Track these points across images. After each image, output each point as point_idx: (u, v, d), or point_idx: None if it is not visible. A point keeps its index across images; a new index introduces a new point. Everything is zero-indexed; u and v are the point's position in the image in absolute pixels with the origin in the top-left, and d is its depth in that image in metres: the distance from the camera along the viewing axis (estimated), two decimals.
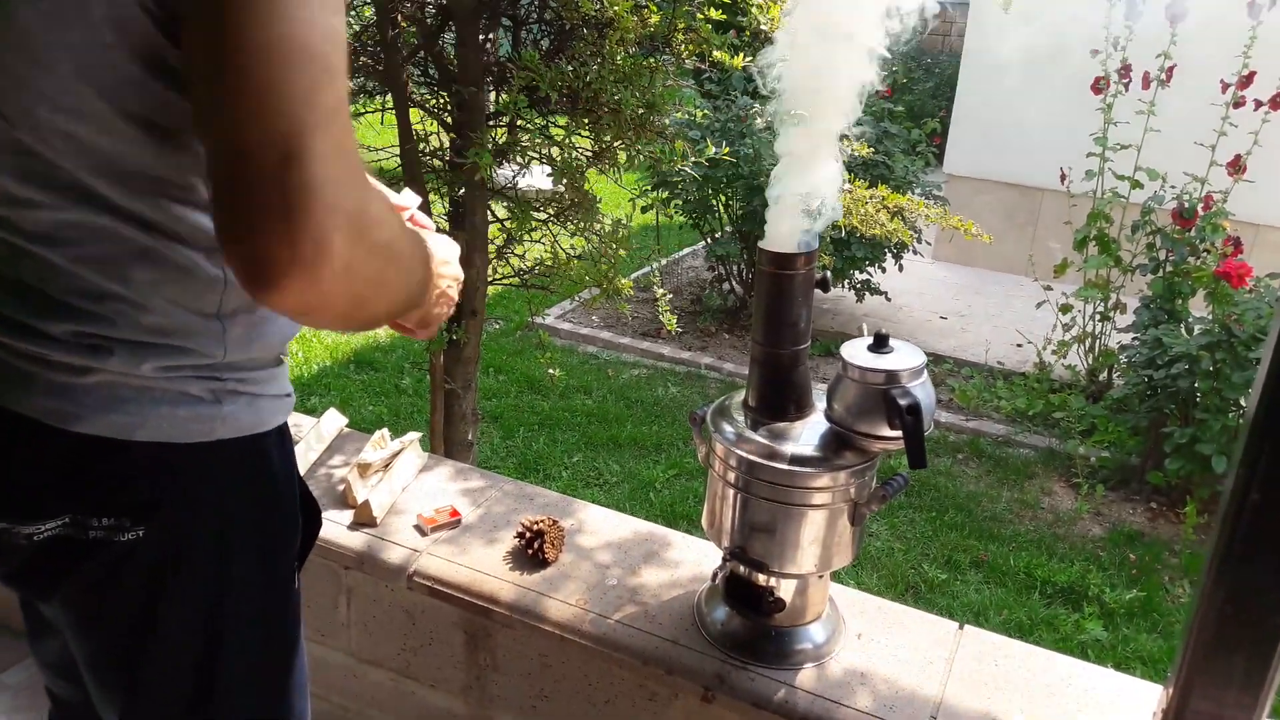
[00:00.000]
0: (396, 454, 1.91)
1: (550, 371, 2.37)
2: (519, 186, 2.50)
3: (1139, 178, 4.96)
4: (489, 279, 2.60)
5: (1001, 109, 6.75)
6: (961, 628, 1.69)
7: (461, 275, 1.16)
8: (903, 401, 1.23)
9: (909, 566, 3.86)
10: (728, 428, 1.40)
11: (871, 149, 4.83)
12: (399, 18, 2.43)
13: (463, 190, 2.46)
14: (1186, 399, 4.10)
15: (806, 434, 1.37)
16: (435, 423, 2.58)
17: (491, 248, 2.59)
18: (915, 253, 5.70)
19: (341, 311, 0.82)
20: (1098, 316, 5.20)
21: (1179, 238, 4.53)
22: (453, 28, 2.38)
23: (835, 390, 1.34)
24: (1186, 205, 4.49)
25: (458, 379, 2.61)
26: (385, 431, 1.98)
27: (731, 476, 1.38)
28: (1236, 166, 4.70)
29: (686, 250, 7.41)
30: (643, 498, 4.23)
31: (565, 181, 2.21)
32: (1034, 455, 4.80)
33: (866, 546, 3.97)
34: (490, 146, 2.19)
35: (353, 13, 2.53)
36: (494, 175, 2.28)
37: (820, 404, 1.40)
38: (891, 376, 1.27)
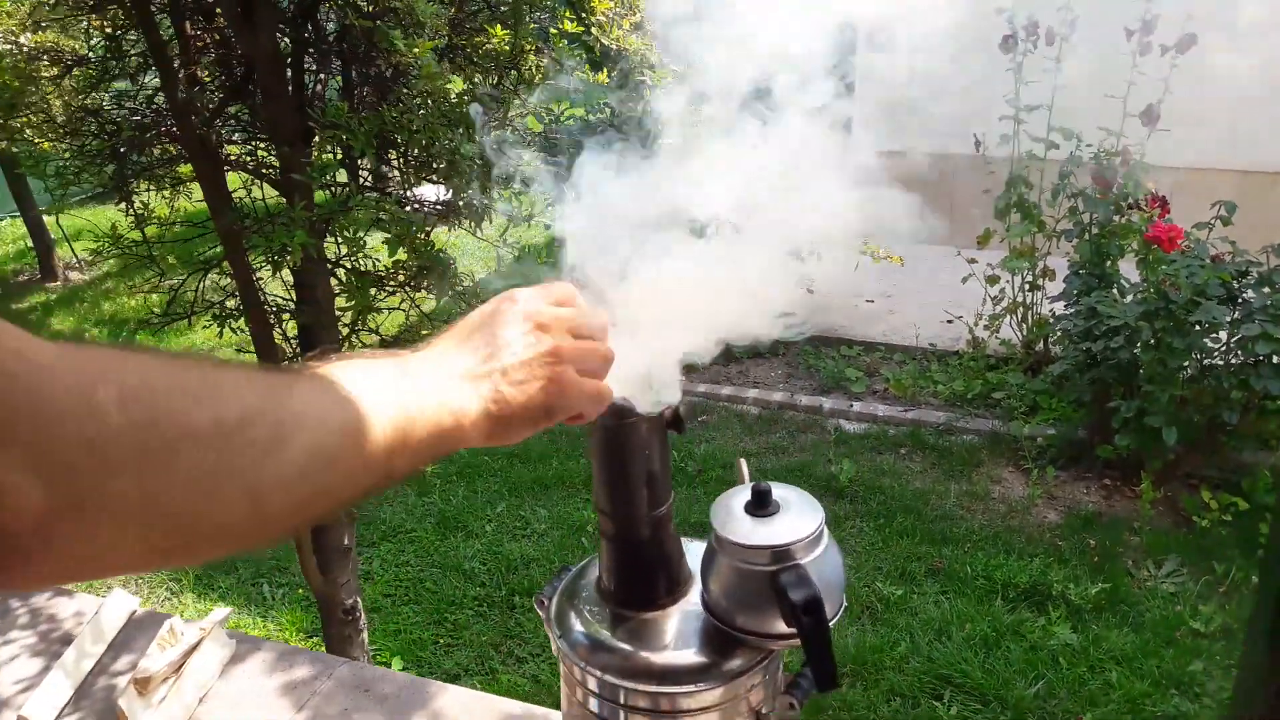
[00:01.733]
0: (191, 650, 1.51)
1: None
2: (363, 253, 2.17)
3: (1054, 138, 4.74)
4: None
5: (906, 72, 6.51)
6: None
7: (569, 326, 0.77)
8: (796, 596, 0.88)
9: (862, 585, 3.60)
10: (578, 628, 1.03)
11: None
12: (196, 72, 2.07)
13: (298, 264, 2.12)
14: (1129, 369, 3.89)
15: (682, 630, 1.01)
16: (300, 533, 2.24)
17: (342, 322, 2.25)
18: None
19: (135, 557, 0.53)
20: (1027, 286, 4.99)
21: (1101, 198, 4.32)
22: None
23: (709, 569, 0.99)
24: (1105, 165, 4.28)
25: None
26: (175, 621, 1.57)
27: (591, 703, 1.01)
28: (1150, 116, 4.50)
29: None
30: (574, 544, 3.92)
31: (404, 248, 1.89)
32: (978, 440, 4.57)
33: None
34: (309, 216, 1.85)
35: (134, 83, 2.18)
36: (319, 248, 1.94)
37: (699, 574, 1.02)
38: (779, 554, 0.92)
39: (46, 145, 3.00)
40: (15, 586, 0.50)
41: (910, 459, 4.49)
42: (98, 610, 1.66)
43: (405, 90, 1.91)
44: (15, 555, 0.46)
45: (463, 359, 0.73)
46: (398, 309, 2.33)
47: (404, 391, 0.67)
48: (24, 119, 3.02)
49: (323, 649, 2.65)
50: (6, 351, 0.46)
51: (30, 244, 7.86)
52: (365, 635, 2.53)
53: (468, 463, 4.57)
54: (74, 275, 7.81)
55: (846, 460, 4.38)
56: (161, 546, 0.52)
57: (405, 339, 2.33)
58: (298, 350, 2.31)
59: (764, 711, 0.98)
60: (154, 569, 0.56)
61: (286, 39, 2.07)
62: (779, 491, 0.98)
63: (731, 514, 0.97)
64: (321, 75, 2.17)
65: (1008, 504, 4.10)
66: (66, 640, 1.63)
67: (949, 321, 5.47)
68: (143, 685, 1.40)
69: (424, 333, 2.34)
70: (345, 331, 2.29)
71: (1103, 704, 2.99)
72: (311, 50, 2.05)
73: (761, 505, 0.95)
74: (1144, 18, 4.55)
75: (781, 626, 0.91)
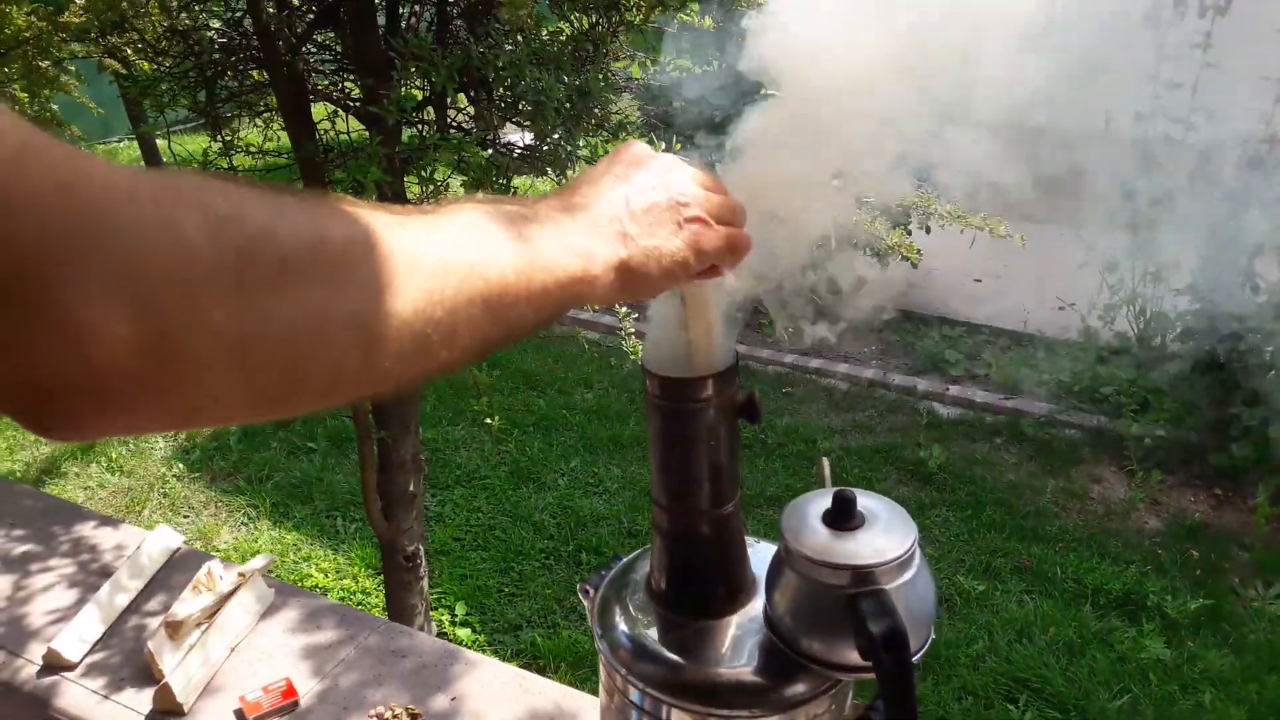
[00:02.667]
0: (227, 597, 1.45)
1: (487, 421, 1.96)
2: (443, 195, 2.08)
3: (1195, 119, 4.40)
4: None
5: (1039, 44, 6.15)
6: None
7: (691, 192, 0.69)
8: (875, 627, 0.74)
9: (942, 577, 3.44)
10: (622, 628, 0.91)
11: None
12: None
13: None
14: (1255, 374, 3.61)
15: (738, 643, 0.88)
16: (367, 476, 2.19)
17: None
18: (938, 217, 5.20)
19: (241, 403, 0.47)
20: (1149, 276, 4.67)
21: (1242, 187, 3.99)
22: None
23: (775, 580, 0.85)
24: (1251, 151, 3.95)
25: (392, 423, 2.22)
26: (214, 564, 1.51)
27: (631, 715, 0.89)
28: None
29: None
30: (645, 506, 3.83)
31: (483, 190, 1.79)
32: (1081, 436, 4.33)
33: None
34: (387, 153, 1.77)
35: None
36: (400, 187, 1.86)
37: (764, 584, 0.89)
38: (861, 576, 0.78)
39: (147, 66, 2.99)
40: (118, 431, 0.45)
41: (1006, 450, 4.28)
42: (139, 545, 1.62)
43: (495, 25, 1.80)
44: (110, 398, 0.42)
45: (592, 205, 0.65)
46: None
47: (529, 236, 0.60)
48: (127, 37, 3.02)
49: (384, 591, 2.63)
50: (85, 176, 0.41)
51: (144, 166, 8.05)
52: (425, 583, 2.48)
53: (545, 414, 4.52)
54: None
55: (937, 445, 4.19)
56: (268, 392, 0.48)
57: None
58: None
59: None
60: (264, 417, 0.51)
61: None
62: (866, 501, 0.84)
63: (807, 522, 0.83)
64: (416, 7, 2.08)
65: (1107, 505, 3.87)
66: (105, 573, 1.60)
67: (1061, 308, 5.18)
68: (174, 629, 1.35)
69: None
70: None
71: None
72: None
73: (844, 516, 0.81)
74: None
75: (855, 658, 0.78)
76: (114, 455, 4.40)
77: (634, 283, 0.65)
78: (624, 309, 2.21)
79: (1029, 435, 4.34)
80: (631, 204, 0.66)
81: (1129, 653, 3.09)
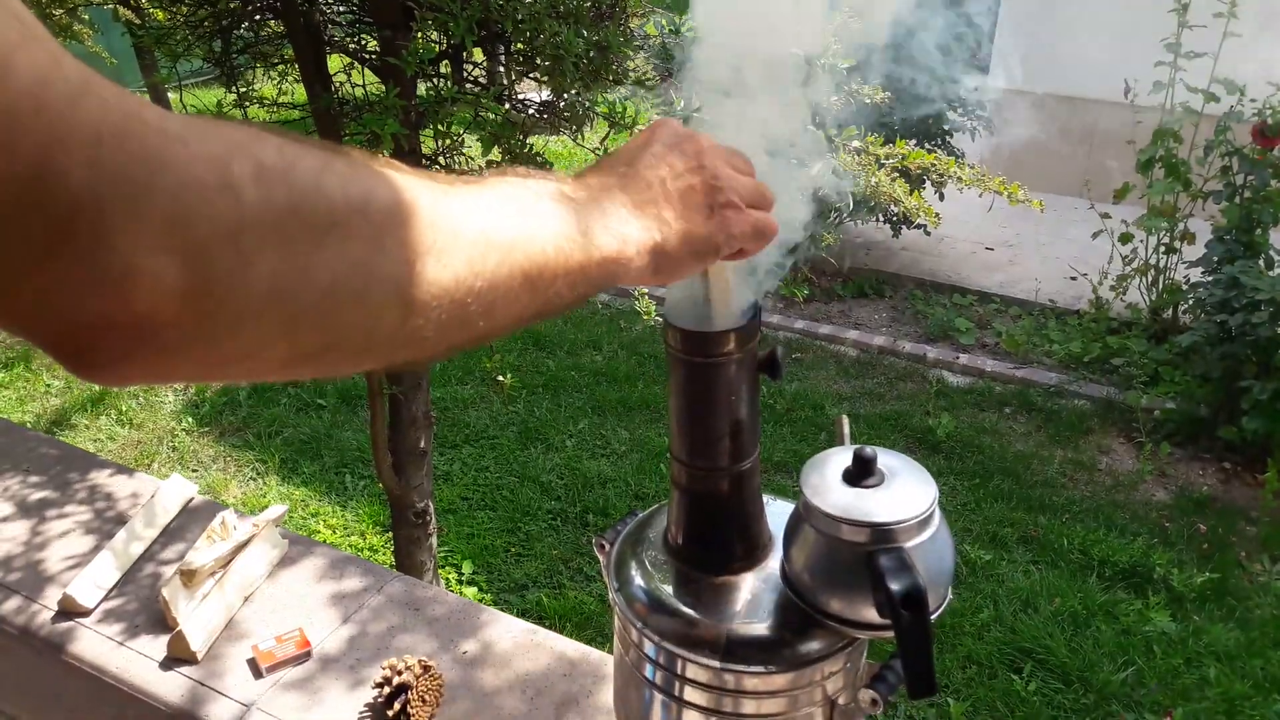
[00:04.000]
0: (241, 546, 1.44)
1: (499, 379, 1.95)
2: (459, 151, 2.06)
3: (1215, 90, 4.34)
4: None
5: (1055, 11, 6.07)
6: None
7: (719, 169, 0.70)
8: (895, 585, 0.73)
9: None
10: (638, 582, 0.90)
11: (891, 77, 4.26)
12: None
13: (391, 157, 2.03)
14: (1268, 347, 3.59)
15: (755, 599, 0.88)
16: (377, 432, 2.19)
17: None
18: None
19: (280, 358, 0.48)
20: (1162, 248, 4.64)
21: (1260, 159, 3.96)
22: None
23: (793, 537, 0.85)
24: (1270, 122, 3.91)
25: (404, 379, 2.21)
26: (228, 515, 1.51)
27: (645, 667, 0.89)
28: None
29: None
30: (653, 469, 3.85)
31: (500, 147, 1.77)
32: (1090, 407, 4.32)
33: None
34: (403, 105, 1.75)
35: None
36: (415, 141, 1.84)
37: (780, 541, 0.89)
38: (880, 533, 0.77)
39: (161, 15, 2.95)
40: (154, 378, 0.45)
41: (1015, 419, 4.27)
42: (154, 494, 1.62)
43: None
44: (151, 343, 0.42)
45: (630, 185, 0.66)
46: None
47: (569, 214, 0.60)
48: None
49: (393, 548, 2.63)
50: (140, 120, 0.41)
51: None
52: (434, 540, 2.49)
53: (554, 376, 4.51)
54: None
55: (946, 414, 4.18)
56: (306, 350, 0.48)
57: None
58: None
59: (840, 703, 0.86)
60: (298, 374, 0.51)
61: None
62: (885, 459, 0.83)
63: (826, 479, 0.82)
64: None
65: (1114, 477, 3.87)
66: (120, 521, 1.60)
67: (1073, 278, 5.16)
68: (188, 577, 1.35)
69: None
70: None
71: (1197, 700, 2.81)
72: None
73: (864, 473, 0.81)
74: None
75: (873, 615, 0.78)
76: (124, 408, 4.41)
77: (666, 265, 0.66)
78: None
79: (1038, 405, 4.33)
80: (668, 186, 0.67)
81: (1134, 625, 3.09)
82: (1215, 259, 4.00)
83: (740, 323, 0.81)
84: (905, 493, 0.80)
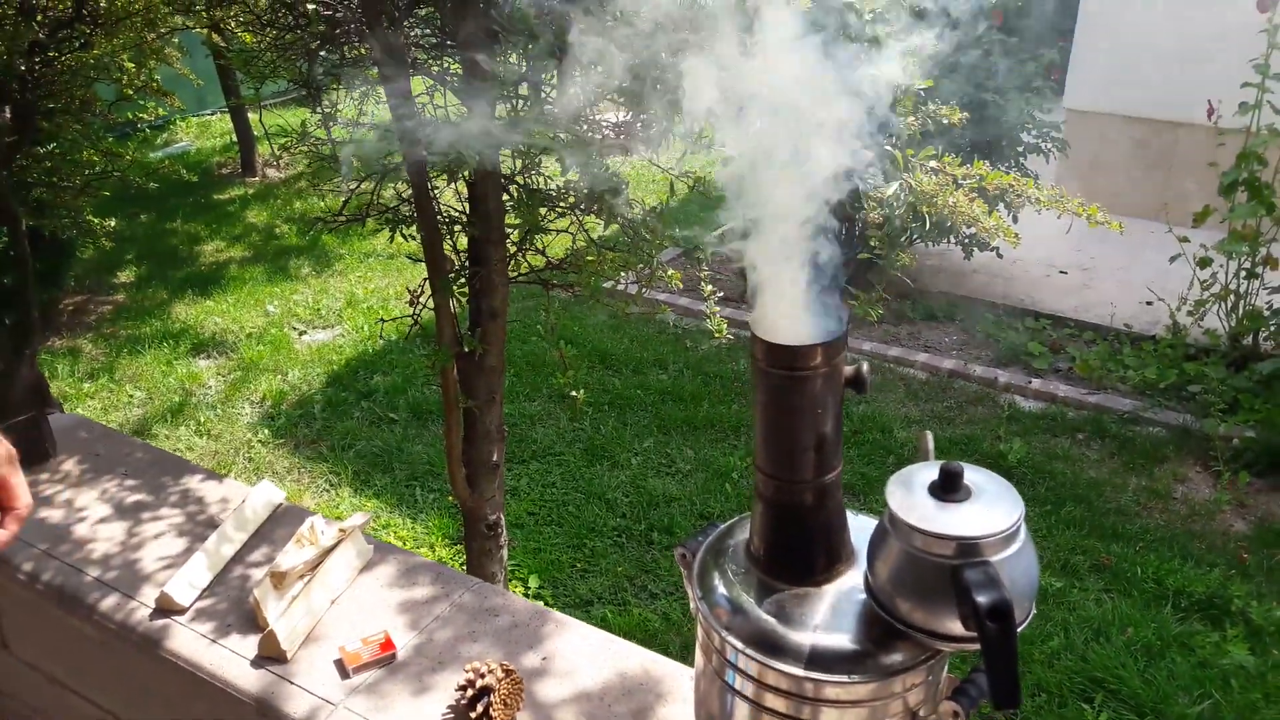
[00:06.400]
0: (329, 551, 1.50)
1: (573, 394, 1.99)
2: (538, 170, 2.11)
3: None
4: (509, 276, 2.23)
5: (1135, 30, 5.98)
6: None
7: None
8: (982, 598, 0.75)
9: None
10: (721, 591, 0.94)
11: (967, 96, 4.24)
12: None
13: (473, 175, 2.09)
14: None
15: (837, 610, 0.90)
16: (451, 445, 2.24)
17: (511, 239, 2.21)
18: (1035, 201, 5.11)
19: None
20: (1243, 273, 4.53)
21: None
22: None
23: (877, 550, 0.87)
24: None
25: (479, 393, 2.26)
26: (316, 520, 1.57)
27: (727, 674, 0.92)
28: None
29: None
30: (718, 489, 3.86)
31: (577, 168, 1.82)
32: (1166, 435, 4.23)
33: None
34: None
35: None
36: (489, 163, 1.89)
37: (863, 553, 0.92)
38: (966, 548, 0.79)
39: (249, 38, 3.05)
40: None
41: (1088, 446, 4.20)
42: (244, 499, 1.69)
43: None
44: None
45: None
46: (565, 231, 2.28)
47: None
48: (230, 10, 3.09)
49: (463, 558, 2.68)
50: None
51: (235, 139, 8.26)
52: (505, 552, 2.53)
53: (620, 394, 4.55)
54: (271, 172, 8.17)
55: (1018, 439, 4.13)
56: None
57: (570, 263, 2.27)
58: (466, 263, 2.28)
59: (921, 714, 0.87)
60: None
61: None
62: (972, 474, 0.85)
63: (913, 493, 0.84)
64: None
65: (1190, 506, 3.78)
66: (210, 524, 1.66)
67: (1149, 303, 5.06)
68: (278, 580, 1.41)
69: (589, 259, 2.28)
70: (512, 250, 2.25)
71: None
72: None
73: (950, 488, 0.82)
74: None
75: (957, 628, 0.79)
76: (202, 419, 4.54)
77: None
78: (709, 286, 2.22)
79: (1112, 432, 4.25)
80: None
81: (1210, 657, 3.02)
82: None
83: (828, 337, 0.83)
84: (992, 508, 0.82)
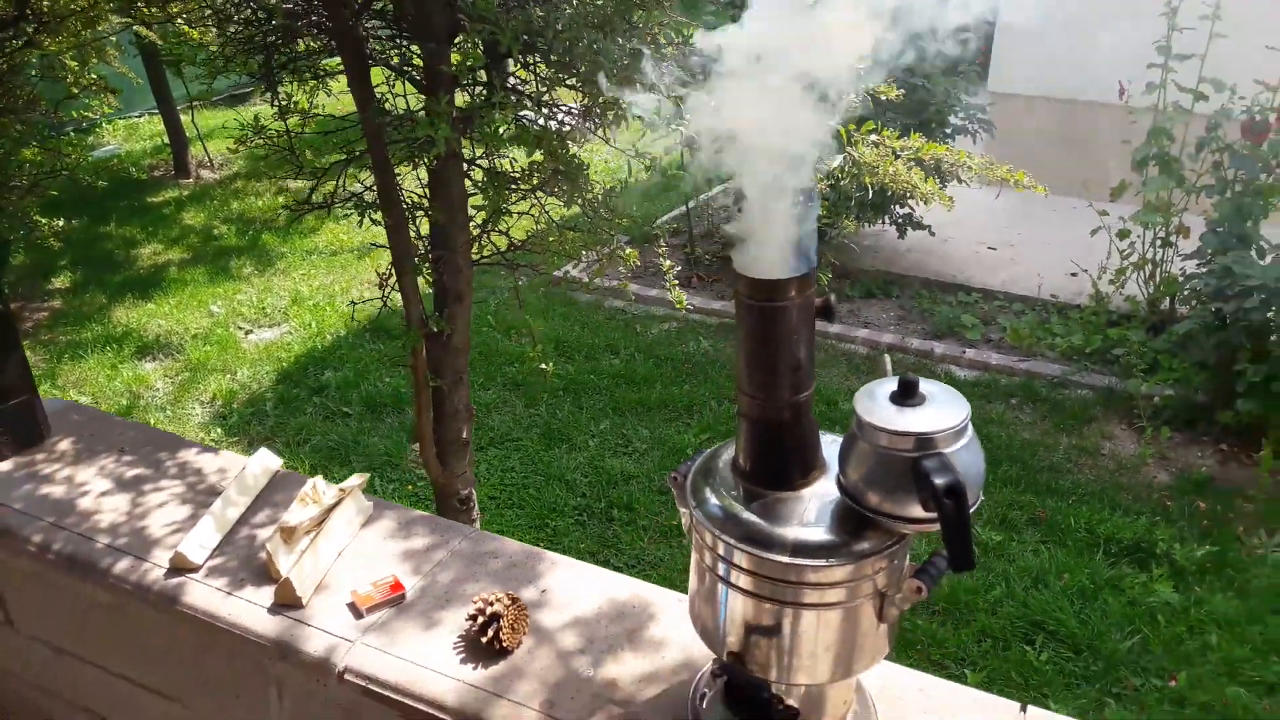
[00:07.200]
0: (331, 508, 1.61)
1: (542, 366, 2.11)
2: (500, 154, 2.22)
3: (1204, 89, 4.52)
4: (473, 258, 2.33)
5: (1053, 17, 6.24)
6: (1024, 709, 1.31)
7: None
8: (939, 480, 0.90)
9: None
10: (712, 501, 1.08)
11: (898, 82, 4.42)
12: None
13: (436, 161, 2.18)
14: (1261, 332, 3.74)
15: (814, 509, 1.05)
16: (422, 423, 2.34)
17: (474, 223, 2.31)
18: (961, 180, 5.33)
19: None
20: (1158, 242, 4.81)
21: (1249, 154, 4.12)
22: None
23: (848, 453, 1.02)
24: (1258, 118, 4.07)
25: (446, 373, 2.36)
26: (318, 481, 1.68)
27: (720, 568, 1.06)
28: None
29: (719, 188, 7.05)
30: (674, 465, 3.96)
31: (542, 150, 1.93)
32: (1093, 396, 4.47)
33: None
34: (452, 113, 1.91)
35: None
36: (457, 145, 2.00)
37: (834, 463, 1.06)
38: (923, 441, 0.94)
39: (195, 34, 3.09)
40: None
41: (1020, 410, 4.43)
42: (244, 466, 1.78)
43: None
44: None
45: None
46: (528, 214, 2.38)
47: None
48: (179, 6, 3.13)
49: None
50: None
51: (167, 140, 8.17)
52: (478, 525, 2.64)
53: (574, 379, 4.66)
54: (205, 173, 8.11)
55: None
56: None
57: (533, 244, 2.38)
58: (429, 248, 2.37)
59: (889, 594, 1.02)
60: None
61: None
62: (926, 386, 1.01)
63: (876, 401, 1.00)
64: None
65: (1117, 461, 4.02)
66: (212, 492, 1.75)
67: (1073, 274, 5.32)
68: (287, 534, 1.52)
69: (550, 239, 2.38)
70: (476, 233, 2.35)
71: (1199, 665, 2.95)
72: None
73: (908, 395, 0.98)
74: None
75: (918, 510, 0.94)
76: (153, 421, 4.55)
77: None
78: (667, 262, 2.35)
79: (1043, 396, 4.48)
80: None
81: (1139, 597, 3.23)
82: (1209, 251, 4.16)
83: (801, 272, 0.97)
84: (944, 410, 0.97)
